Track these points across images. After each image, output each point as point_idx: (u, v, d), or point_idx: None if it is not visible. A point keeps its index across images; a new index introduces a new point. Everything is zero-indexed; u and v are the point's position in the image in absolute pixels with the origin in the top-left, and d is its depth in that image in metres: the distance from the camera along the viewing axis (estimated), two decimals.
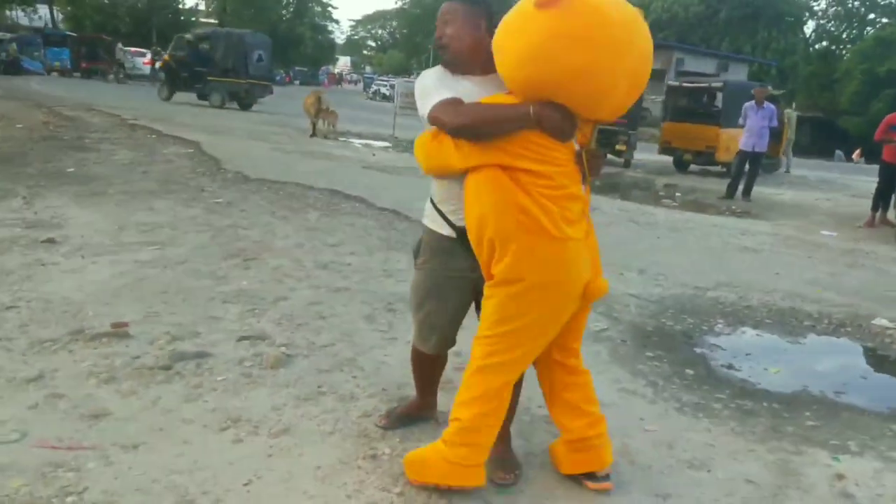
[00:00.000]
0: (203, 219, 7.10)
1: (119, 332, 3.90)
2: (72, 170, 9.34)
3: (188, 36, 26.94)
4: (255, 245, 6.21)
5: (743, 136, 13.21)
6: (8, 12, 47.48)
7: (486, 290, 2.57)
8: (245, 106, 24.24)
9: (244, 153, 12.37)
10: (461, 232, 2.62)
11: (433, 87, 2.57)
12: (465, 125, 2.45)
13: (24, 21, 47.53)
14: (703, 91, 18.91)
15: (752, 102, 13.02)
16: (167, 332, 3.96)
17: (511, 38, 2.42)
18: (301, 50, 67.04)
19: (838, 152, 33.46)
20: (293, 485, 2.66)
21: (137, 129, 14.79)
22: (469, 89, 2.56)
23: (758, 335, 5.26)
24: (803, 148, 37.47)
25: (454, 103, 2.48)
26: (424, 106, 2.55)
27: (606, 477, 2.81)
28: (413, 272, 2.89)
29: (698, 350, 4.73)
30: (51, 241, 5.77)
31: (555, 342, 2.67)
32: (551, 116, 2.39)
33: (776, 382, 4.32)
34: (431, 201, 2.78)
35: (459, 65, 2.64)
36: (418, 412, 3.22)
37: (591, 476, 2.80)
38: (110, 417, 3.01)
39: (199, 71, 24.17)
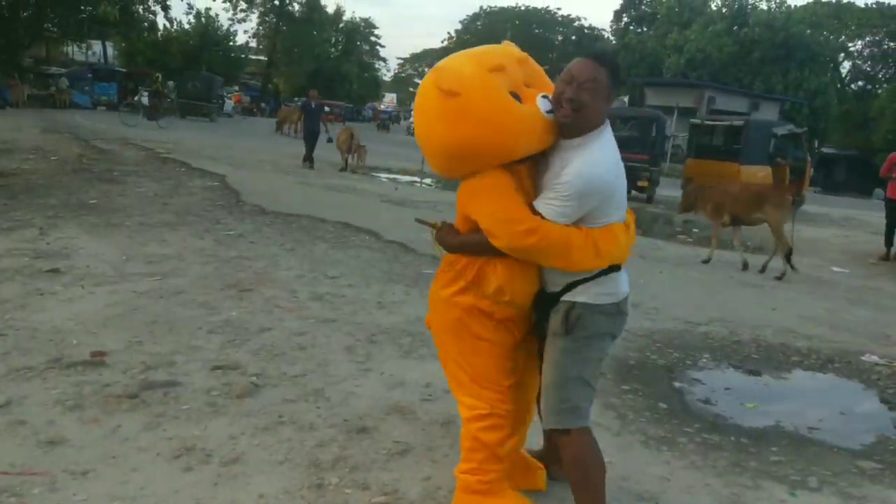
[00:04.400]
0: (211, 250, 7.19)
1: (96, 360, 3.96)
2: (94, 201, 9.52)
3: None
4: (254, 276, 6.27)
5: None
6: (64, 48, 48.80)
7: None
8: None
9: (267, 187, 12.54)
10: None
11: (570, 203, 2.49)
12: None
13: (79, 56, 48.70)
14: (725, 128, 18.82)
15: None
16: (143, 362, 4.01)
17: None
18: (347, 87, 67.94)
19: (878, 190, 32.86)
20: None
21: (168, 163, 15.05)
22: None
23: (741, 370, 5.19)
24: (838, 185, 37.02)
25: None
26: (548, 209, 2.50)
27: None
28: None
29: (677, 384, 4.67)
30: (55, 270, 5.88)
31: None
32: None
33: (749, 417, 4.25)
34: None
35: (580, 130, 2.56)
36: None
37: None
38: (66, 444, 3.05)
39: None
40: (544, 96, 2.57)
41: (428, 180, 17.51)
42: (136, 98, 26.93)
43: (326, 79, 61.82)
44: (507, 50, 2.68)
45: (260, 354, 4.30)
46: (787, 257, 8.87)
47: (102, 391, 3.58)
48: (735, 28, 42.05)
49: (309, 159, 17.48)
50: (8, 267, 5.88)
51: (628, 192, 15.79)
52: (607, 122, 2.63)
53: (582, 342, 2.60)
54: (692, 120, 20.03)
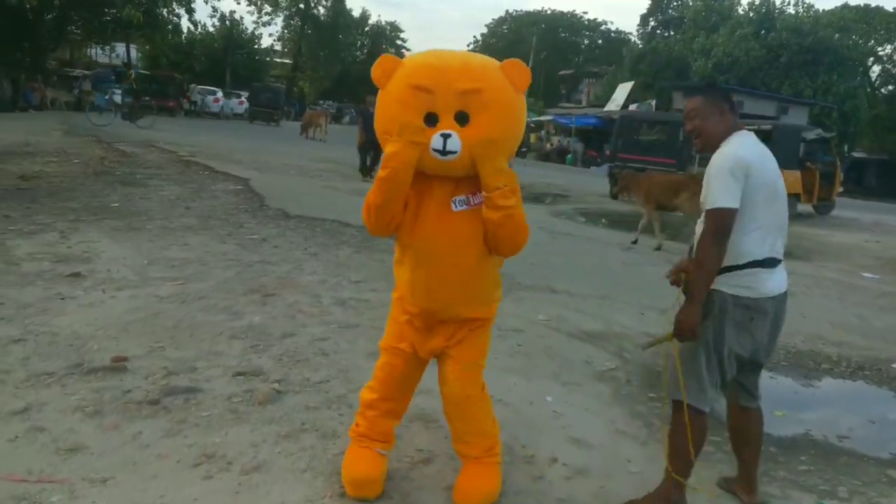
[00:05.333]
0: (234, 255, 7.16)
1: (117, 366, 3.92)
2: (116, 205, 9.53)
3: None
4: (278, 281, 6.22)
5: None
6: (87, 51, 49.16)
7: None
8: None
9: (291, 191, 12.53)
10: None
11: (725, 180, 2.84)
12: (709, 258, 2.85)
13: (102, 59, 49.06)
14: (753, 133, 18.53)
15: None
16: (164, 368, 3.96)
17: None
18: (372, 89, 67.67)
19: None
20: None
21: (191, 166, 15.07)
22: None
23: (771, 377, 5.05)
24: (868, 190, 36.53)
25: (730, 217, 2.81)
26: (710, 196, 2.86)
27: None
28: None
29: None
30: (76, 275, 5.86)
31: None
32: None
33: (778, 425, 4.15)
34: None
35: (711, 148, 3.01)
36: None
37: None
38: (86, 451, 3.00)
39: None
40: (445, 134, 2.62)
41: None
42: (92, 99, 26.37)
43: (352, 82, 61.83)
44: (458, 75, 2.70)
45: (282, 360, 4.25)
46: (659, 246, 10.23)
47: (123, 397, 3.53)
48: (762, 32, 41.59)
49: (368, 170, 15.67)
50: (29, 271, 5.87)
51: None
52: (741, 132, 3.06)
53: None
54: None
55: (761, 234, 2.90)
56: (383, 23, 71.68)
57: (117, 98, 26.00)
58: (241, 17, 57.26)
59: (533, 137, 42.39)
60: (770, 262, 2.91)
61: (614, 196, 11.11)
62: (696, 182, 9.72)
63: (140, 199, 10.20)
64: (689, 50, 43.73)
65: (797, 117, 33.89)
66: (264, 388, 3.77)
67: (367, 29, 68.08)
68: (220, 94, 43.33)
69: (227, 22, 54.67)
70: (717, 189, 2.82)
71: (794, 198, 17.10)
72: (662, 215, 10.74)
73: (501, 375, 4.29)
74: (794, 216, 16.65)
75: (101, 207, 9.21)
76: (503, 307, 5.95)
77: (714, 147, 2.99)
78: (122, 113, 24.62)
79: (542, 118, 44.90)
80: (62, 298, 5.22)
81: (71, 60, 46.70)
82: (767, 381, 4.93)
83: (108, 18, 37.95)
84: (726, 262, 2.85)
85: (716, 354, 2.91)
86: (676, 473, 2.91)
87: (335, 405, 3.66)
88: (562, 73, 61.00)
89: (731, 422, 3.19)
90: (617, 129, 19.49)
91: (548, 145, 41.72)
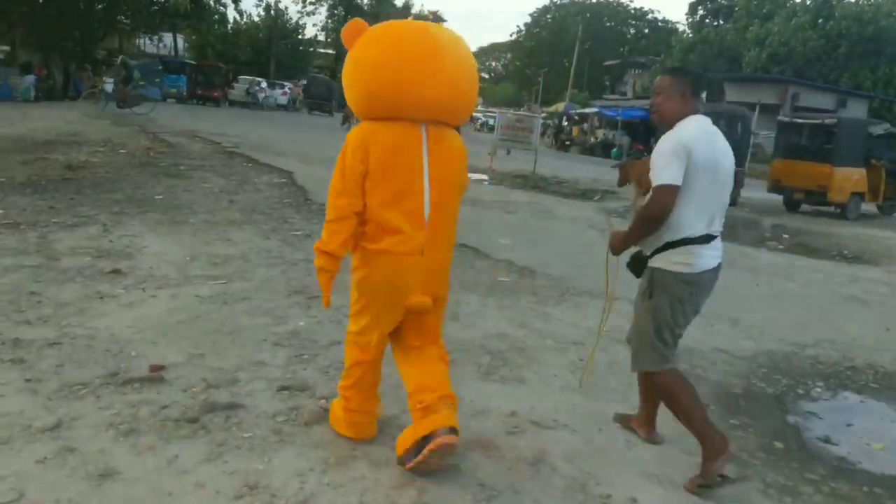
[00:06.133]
0: (277, 251, 6.93)
1: (154, 376, 3.68)
2: (160, 197, 9.38)
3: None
4: None
5: None
6: (136, 40, 49.63)
7: None
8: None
9: None
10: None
11: (668, 160, 3.15)
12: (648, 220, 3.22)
13: (150, 49, 49.51)
14: (815, 127, 17.87)
15: None
16: (204, 379, 3.70)
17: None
18: None
19: None
20: None
21: (235, 157, 14.93)
22: None
23: (861, 402, 4.63)
24: None
25: (671, 194, 3.11)
26: (655, 176, 3.18)
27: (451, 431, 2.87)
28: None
29: (791, 418, 4.18)
30: (116, 271, 5.68)
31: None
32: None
33: (879, 461, 3.74)
34: None
35: (666, 125, 3.31)
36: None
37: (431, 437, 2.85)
38: (118, 478, 2.74)
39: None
40: None
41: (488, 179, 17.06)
42: (99, 88, 26.01)
43: None
44: None
45: (329, 373, 3.97)
46: None
47: (160, 413, 3.28)
48: (820, 21, 40.17)
49: None
50: (70, 267, 5.69)
51: None
52: (696, 116, 3.27)
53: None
54: (780, 118, 18.92)
55: (699, 212, 3.17)
56: (426, 11, 71.36)
57: (108, 88, 25.72)
58: (286, 7, 57.53)
59: (575, 130, 41.68)
60: (706, 239, 3.20)
61: (620, 186, 10.84)
62: None
63: (183, 191, 10.06)
64: (742, 39, 42.54)
65: (856, 110, 32.84)
66: (310, 405, 3.49)
67: (410, 18, 67.65)
68: (264, 84, 43.46)
69: (272, 12, 54.81)
70: (660, 168, 3.14)
71: (857, 196, 16.46)
72: None
73: (565, 395, 3.97)
74: (858, 217, 16.02)
75: (144, 199, 9.07)
76: (558, 315, 5.65)
77: (669, 125, 3.28)
78: (116, 101, 24.42)
79: (587, 110, 44.09)
80: (101, 297, 5.03)
81: (120, 50, 47.08)
82: (858, 407, 4.54)
83: (156, 7, 38.13)
84: (666, 238, 3.17)
85: (667, 328, 3.25)
86: (701, 431, 3.16)
87: (386, 427, 3.36)
88: (607, 63, 60.04)
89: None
90: None
91: (592, 138, 40.84)
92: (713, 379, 4.61)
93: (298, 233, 7.89)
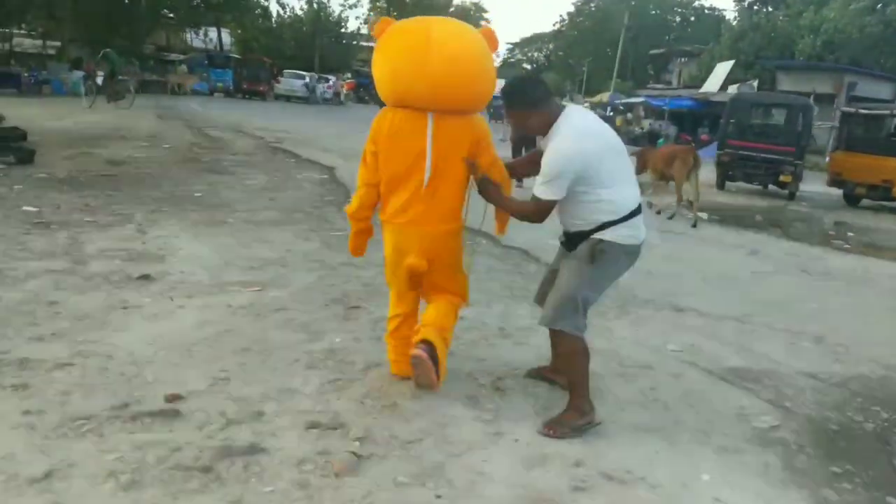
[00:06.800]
0: (317, 254, 6.53)
1: (169, 409, 3.25)
2: (199, 194, 9.10)
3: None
4: (363, 289, 5.53)
5: None
6: (183, 35, 50.01)
7: None
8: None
9: None
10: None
11: (552, 177, 3.28)
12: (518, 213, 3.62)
13: (198, 44, 49.86)
14: (883, 118, 16.88)
15: None
16: (224, 413, 3.25)
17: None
18: None
19: None
20: None
21: (278, 153, 14.69)
22: None
23: None
24: None
25: (546, 210, 3.38)
26: (537, 185, 3.34)
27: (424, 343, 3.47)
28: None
29: None
30: (145, 277, 5.32)
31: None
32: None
33: None
34: None
35: (543, 134, 3.49)
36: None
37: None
38: None
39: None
40: None
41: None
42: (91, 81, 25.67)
43: None
44: None
45: (365, 404, 3.49)
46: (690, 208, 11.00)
47: (169, 458, 2.83)
48: (879, 6, 38.28)
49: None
50: (97, 272, 5.35)
51: (766, 185, 14.62)
52: (567, 114, 3.38)
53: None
54: (843, 109, 17.88)
55: (629, 186, 3.40)
56: (468, 3, 70.67)
57: (100, 80, 25.47)
58: (328, 1, 57.14)
59: (619, 121, 40.56)
60: (640, 209, 3.40)
61: (637, 174, 10.41)
62: (687, 151, 11.36)
63: (225, 188, 9.80)
64: (796, 27, 40.92)
65: None
66: (342, 449, 3.00)
67: (451, 10, 67.15)
68: (308, 78, 43.48)
69: (315, 5, 54.73)
70: (543, 182, 3.27)
71: None
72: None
73: (637, 436, 3.42)
74: None
75: (184, 197, 8.81)
76: (620, 331, 5.11)
77: (544, 132, 3.42)
78: (106, 96, 24.15)
79: (633, 100, 42.96)
80: (125, 308, 4.66)
81: (167, 45, 47.51)
82: None
83: (198, 0, 38.32)
84: (608, 218, 3.30)
85: (595, 294, 3.48)
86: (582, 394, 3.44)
87: (430, 480, 2.85)
88: (652, 52, 58.62)
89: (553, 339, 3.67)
90: (727, 111, 17.47)
91: (637, 129, 39.67)
92: (804, 412, 4.01)
93: (339, 234, 7.46)
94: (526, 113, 3.41)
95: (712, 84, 36.35)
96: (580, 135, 3.27)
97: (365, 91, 54.66)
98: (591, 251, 3.33)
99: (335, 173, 12.03)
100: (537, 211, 3.35)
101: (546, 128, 3.37)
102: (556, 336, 3.55)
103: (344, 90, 48.97)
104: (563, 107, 3.43)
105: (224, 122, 20.91)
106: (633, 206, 3.36)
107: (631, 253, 3.42)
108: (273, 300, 5.06)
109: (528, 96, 3.41)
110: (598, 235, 3.32)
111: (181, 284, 5.26)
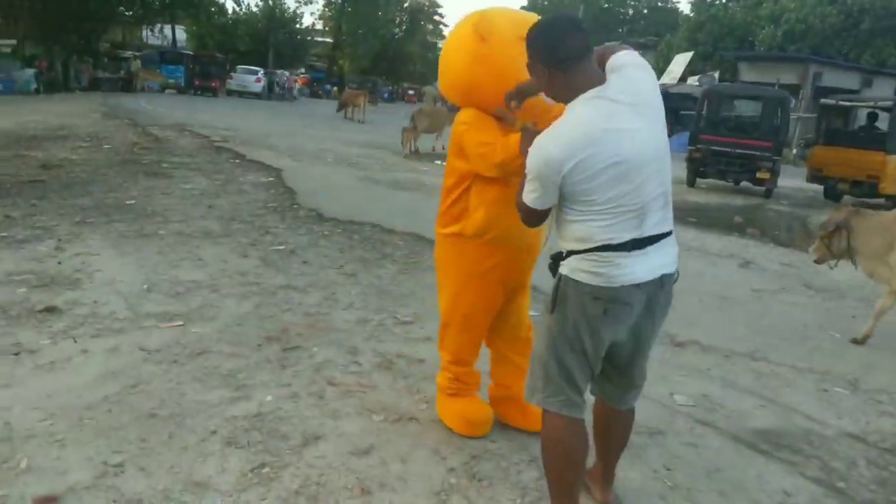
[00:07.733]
0: (254, 275, 5.76)
1: None
2: (133, 202, 8.32)
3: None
4: (305, 321, 4.78)
5: None
6: (139, 32, 48.94)
7: None
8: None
9: (327, 184, 11.12)
10: None
11: (532, 182, 2.46)
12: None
13: (153, 40, 48.75)
14: (864, 111, 16.33)
15: None
16: None
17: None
18: (411, 68, 66.92)
19: None
20: None
21: (222, 153, 13.90)
22: None
23: None
24: None
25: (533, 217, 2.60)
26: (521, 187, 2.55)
27: None
28: None
29: None
30: (50, 310, 4.56)
31: None
32: None
33: None
34: None
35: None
36: None
37: None
38: None
39: None
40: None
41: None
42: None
43: (390, 60, 61.22)
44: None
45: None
46: None
47: None
48: None
49: None
50: None
51: (739, 182, 13.78)
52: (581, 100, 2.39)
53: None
54: (823, 101, 16.94)
55: (611, 218, 2.32)
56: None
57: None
58: None
59: None
60: (633, 245, 2.34)
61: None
62: None
63: (161, 193, 9.05)
64: (755, 17, 40.82)
65: (883, 90, 31.19)
66: None
67: (405, 5, 66.64)
68: (260, 73, 42.77)
69: (270, 1, 54.07)
70: (526, 186, 2.46)
71: None
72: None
73: None
74: None
75: (114, 205, 8.04)
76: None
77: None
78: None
79: None
80: (16, 354, 3.88)
81: (123, 42, 46.41)
82: None
83: None
84: (571, 246, 2.42)
85: (571, 353, 2.45)
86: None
87: None
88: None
89: (595, 414, 2.80)
90: (700, 105, 16.76)
91: None
92: (861, 496, 3.19)
93: (281, 247, 6.71)
94: (545, 75, 2.48)
95: (671, 76, 35.96)
96: (579, 134, 2.34)
97: (318, 86, 53.97)
98: (553, 292, 2.47)
99: (282, 175, 11.23)
100: (521, 214, 2.68)
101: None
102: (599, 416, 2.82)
103: (297, 85, 48.21)
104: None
105: (171, 119, 19.97)
106: (616, 241, 2.35)
107: (601, 298, 2.37)
108: (195, 340, 4.29)
109: (555, 45, 2.43)
110: (561, 268, 2.46)
111: (90, 319, 4.48)
